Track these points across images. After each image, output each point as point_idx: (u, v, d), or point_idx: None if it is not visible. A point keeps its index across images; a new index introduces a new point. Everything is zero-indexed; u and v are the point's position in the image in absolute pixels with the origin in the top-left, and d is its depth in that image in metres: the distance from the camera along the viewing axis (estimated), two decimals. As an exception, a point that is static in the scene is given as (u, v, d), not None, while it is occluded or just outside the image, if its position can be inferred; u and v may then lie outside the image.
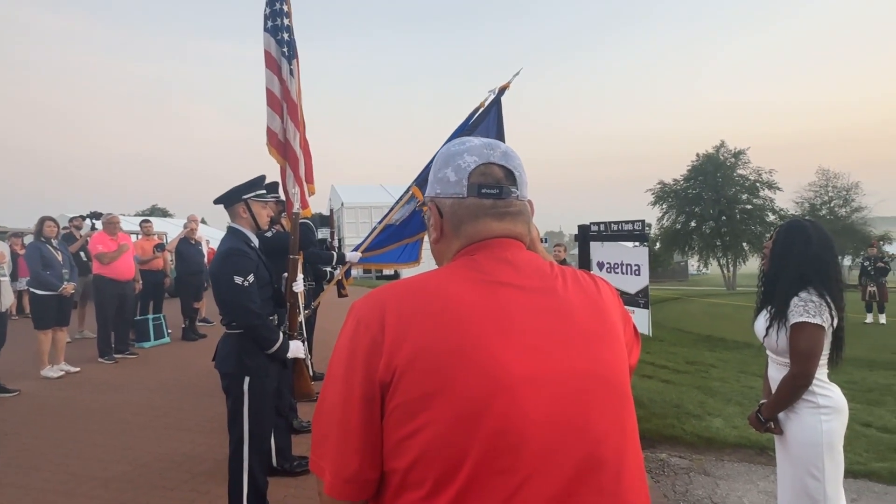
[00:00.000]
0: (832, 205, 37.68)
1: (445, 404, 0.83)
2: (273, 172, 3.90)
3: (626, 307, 4.99)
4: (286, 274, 3.36)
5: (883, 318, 12.35)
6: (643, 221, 4.93)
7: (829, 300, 2.22)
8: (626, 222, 5.10)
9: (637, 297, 5.00)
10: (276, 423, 3.59)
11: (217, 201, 3.11)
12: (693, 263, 46.58)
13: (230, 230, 3.09)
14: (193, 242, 9.37)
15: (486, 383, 0.84)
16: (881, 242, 21.24)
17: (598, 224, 5.45)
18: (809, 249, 2.28)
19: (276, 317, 3.19)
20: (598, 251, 5.48)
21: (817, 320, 2.19)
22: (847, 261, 35.97)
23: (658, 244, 39.54)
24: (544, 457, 0.84)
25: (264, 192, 3.16)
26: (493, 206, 1.00)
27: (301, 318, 3.40)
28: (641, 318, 4.98)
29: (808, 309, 2.21)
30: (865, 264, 13.21)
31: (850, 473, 3.80)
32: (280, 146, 3.66)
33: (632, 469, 0.92)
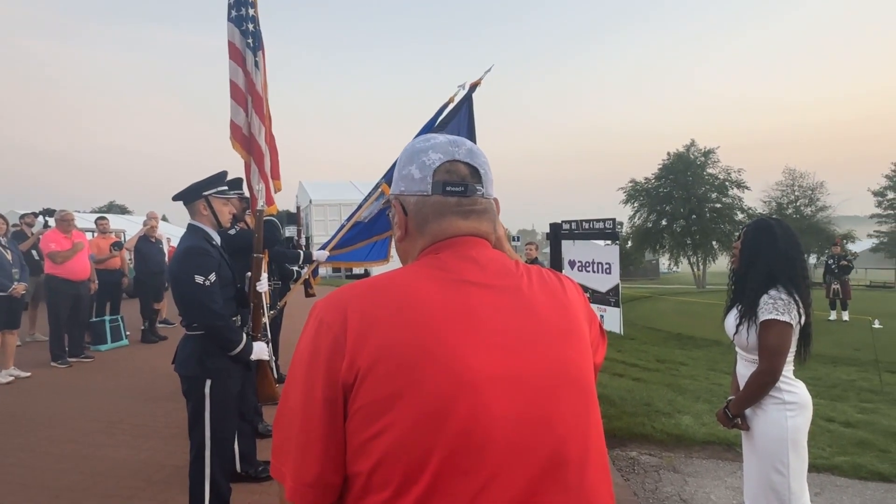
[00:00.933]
0: (798, 204, 39.03)
1: (409, 405, 0.84)
2: (237, 168, 3.83)
3: (598, 306, 5.06)
4: (250, 273, 3.30)
5: (846, 316, 12.80)
6: (614, 220, 5.01)
7: (797, 298, 2.30)
8: (598, 220, 5.17)
9: (608, 296, 5.08)
10: (239, 427, 3.54)
11: (176, 198, 3.04)
12: (664, 262, 47.58)
13: (190, 228, 3.03)
14: (153, 241, 9.16)
15: (450, 383, 0.84)
16: (844, 241, 22.07)
17: (569, 222, 5.52)
18: (777, 248, 2.36)
19: (239, 317, 3.15)
20: (570, 249, 5.54)
21: (786, 318, 2.27)
22: (812, 259, 37.26)
23: (629, 243, 40.29)
24: (509, 456, 0.85)
25: (226, 188, 3.11)
26: (458, 203, 1.01)
27: (266, 318, 3.36)
28: (613, 317, 5.06)
29: (777, 306, 2.28)
30: (829, 262, 13.67)
31: (813, 468, 3.93)
32: (244, 141, 3.59)
33: (596, 467, 0.94)
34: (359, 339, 0.87)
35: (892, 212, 39.67)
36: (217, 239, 3.07)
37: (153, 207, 10.49)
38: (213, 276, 2.87)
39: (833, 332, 11.29)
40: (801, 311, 2.31)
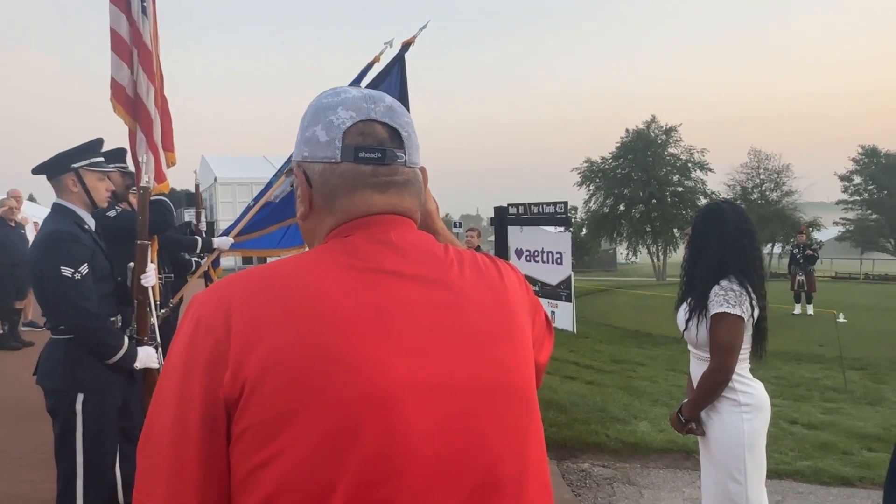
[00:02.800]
0: (763, 188, 41.20)
1: (308, 423, 0.80)
2: (120, 136, 3.65)
3: (547, 300, 5.13)
4: (133, 264, 3.16)
5: (811, 309, 13.65)
6: (566, 203, 5.10)
7: (749, 289, 2.39)
8: (548, 204, 5.25)
9: (559, 289, 5.18)
10: (122, 449, 3.39)
11: (37, 170, 2.89)
12: (622, 251, 49.18)
13: (56, 208, 2.90)
14: (13, 224, 8.66)
15: (359, 395, 0.81)
16: (810, 229, 23.52)
17: (516, 206, 5.58)
18: (726, 234, 2.45)
19: (119, 317, 3.05)
20: (517, 237, 5.61)
21: (737, 311, 2.36)
22: (777, 249, 39.56)
23: (584, 230, 41.38)
24: (431, 481, 0.83)
25: (102, 159, 2.97)
26: (374, 173, 0.95)
27: (154, 318, 3.23)
28: (564, 313, 5.16)
29: (728, 298, 2.37)
30: (794, 252, 14.53)
31: (774, 474, 4.17)
32: (129, 103, 3.43)
33: (535, 489, 0.92)
34: (245, 344, 0.82)
35: (858, 198, 42.62)
36: (91, 222, 2.95)
37: (16, 184, 9.83)
38: (84, 268, 2.75)
39: (797, 326, 12.02)
40: (754, 303, 2.40)
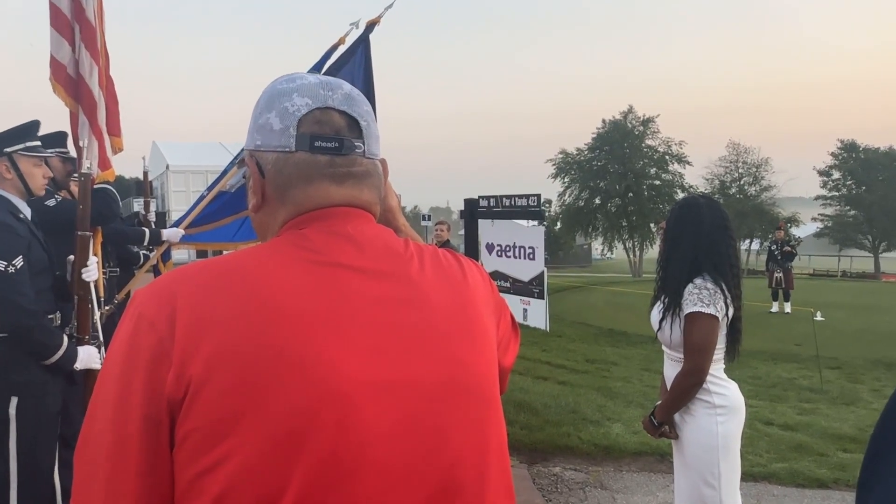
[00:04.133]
0: (742, 182, 42.06)
1: (257, 426, 0.79)
2: (61, 119, 3.57)
3: (519, 297, 5.14)
4: (73, 257, 3.08)
5: (788, 307, 14.00)
6: (539, 196, 5.12)
7: (723, 287, 2.42)
8: (521, 196, 5.26)
9: (532, 286, 5.20)
10: (62, 456, 3.32)
11: None
12: (597, 247, 49.79)
13: None
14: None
15: (311, 395, 0.81)
16: (788, 225, 24.09)
17: (487, 198, 5.58)
18: (701, 230, 2.48)
19: (58, 315, 2.99)
20: (488, 231, 5.62)
21: (711, 310, 2.40)
22: (755, 245, 40.44)
23: (559, 224, 41.78)
24: (388, 486, 0.83)
25: (39, 143, 2.90)
26: (331, 164, 0.95)
27: (97, 316, 3.17)
28: (537, 311, 5.19)
29: (702, 297, 2.41)
30: (772, 248, 14.87)
31: (749, 476, 4.27)
32: (70, 84, 3.36)
33: (496, 494, 0.93)
34: (191, 342, 0.81)
35: (836, 193, 43.75)
36: (27, 211, 2.90)
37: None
38: (19, 261, 2.69)
39: (774, 325, 12.30)
40: (729, 301, 2.44)
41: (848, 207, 43.32)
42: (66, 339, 2.86)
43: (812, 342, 8.21)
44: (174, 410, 0.81)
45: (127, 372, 0.83)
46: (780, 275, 14.23)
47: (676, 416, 2.55)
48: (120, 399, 0.82)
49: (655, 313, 2.60)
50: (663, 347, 2.64)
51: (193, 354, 0.80)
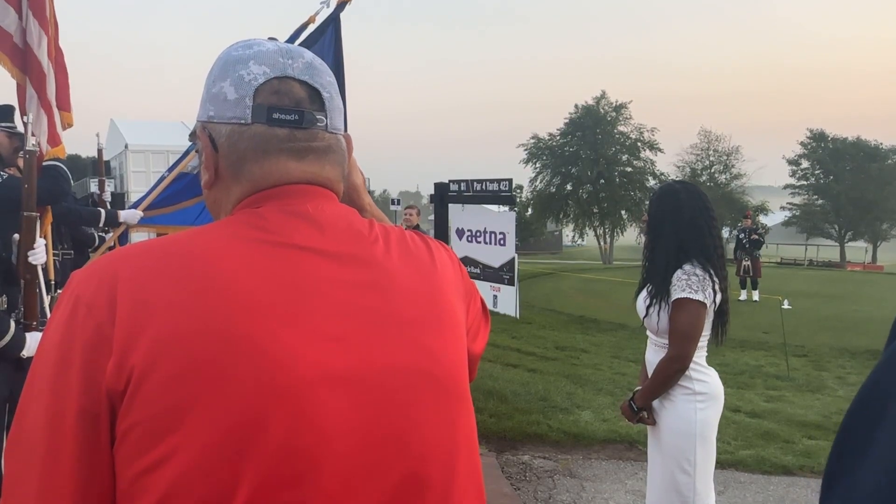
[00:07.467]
0: (713, 170, 42.81)
1: (205, 418, 0.74)
2: (8, 92, 3.45)
3: (490, 283, 5.12)
4: (18, 236, 2.98)
5: (757, 295, 14.32)
6: (510, 181, 5.11)
7: (711, 272, 2.45)
8: (492, 181, 5.26)
9: (502, 272, 5.21)
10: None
11: None
12: (568, 233, 50.24)
13: None
14: None
15: (264, 387, 0.76)
16: (756, 213, 24.57)
17: (458, 182, 5.56)
18: (682, 216, 2.51)
19: (4, 299, 2.89)
20: (459, 216, 5.61)
21: (699, 297, 2.42)
22: (725, 233, 41.24)
23: (530, 210, 42.06)
24: (348, 482, 0.79)
25: (-17, 117, 2.76)
26: (290, 138, 0.89)
27: (46, 300, 3.07)
28: (507, 297, 5.20)
29: (690, 283, 2.43)
30: (741, 237, 15.15)
31: (717, 463, 4.33)
32: (16, 54, 3.26)
33: (465, 490, 0.90)
34: (133, 328, 0.76)
35: (805, 182, 44.80)
36: None
37: None
38: None
39: (743, 313, 12.56)
40: (717, 288, 2.47)
41: (816, 197, 44.42)
42: (13, 324, 2.76)
43: (779, 330, 8.41)
44: (114, 403, 0.76)
45: (61, 361, 0.77)
46: (748, 263, 14.53)
47: (655, 402, 2.56)
48: (54, 390, 0.77)
49: (641, 301, 2.62)
50: (649, 333, 2.66)
51: (136, 341, 0.75)
